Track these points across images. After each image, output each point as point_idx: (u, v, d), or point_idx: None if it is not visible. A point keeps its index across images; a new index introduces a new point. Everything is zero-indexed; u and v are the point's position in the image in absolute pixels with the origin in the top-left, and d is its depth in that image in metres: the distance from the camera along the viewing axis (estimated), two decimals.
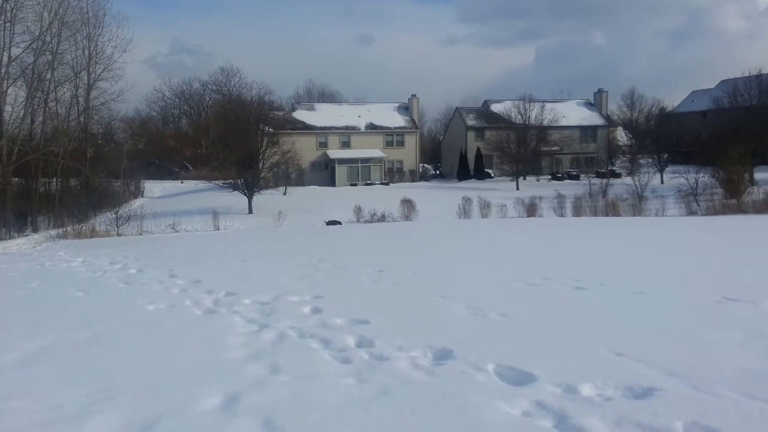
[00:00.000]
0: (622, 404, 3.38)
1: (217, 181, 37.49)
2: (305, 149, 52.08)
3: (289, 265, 9.38)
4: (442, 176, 62.54)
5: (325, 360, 4.37)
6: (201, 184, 42.69)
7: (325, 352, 4.56)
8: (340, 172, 53.74)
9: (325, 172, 54.83)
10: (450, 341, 4.63)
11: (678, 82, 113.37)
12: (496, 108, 58.82)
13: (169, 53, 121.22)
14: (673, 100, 69.00)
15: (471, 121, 58.44)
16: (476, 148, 55.80)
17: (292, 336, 5.03)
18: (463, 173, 55.51)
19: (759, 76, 46.62)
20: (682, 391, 3.51)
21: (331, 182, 53.33)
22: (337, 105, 64.62)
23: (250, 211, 33.55)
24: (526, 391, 3.64)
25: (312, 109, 59.84)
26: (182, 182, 57.18)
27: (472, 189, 40.47)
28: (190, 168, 63.08)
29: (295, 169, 47.47)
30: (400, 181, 54.86)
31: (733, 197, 25.88)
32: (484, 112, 59.91)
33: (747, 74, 48.25)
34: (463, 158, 56.40)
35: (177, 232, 22.38)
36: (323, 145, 55.76)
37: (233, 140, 36.51)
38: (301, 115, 57.56)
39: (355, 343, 4.78)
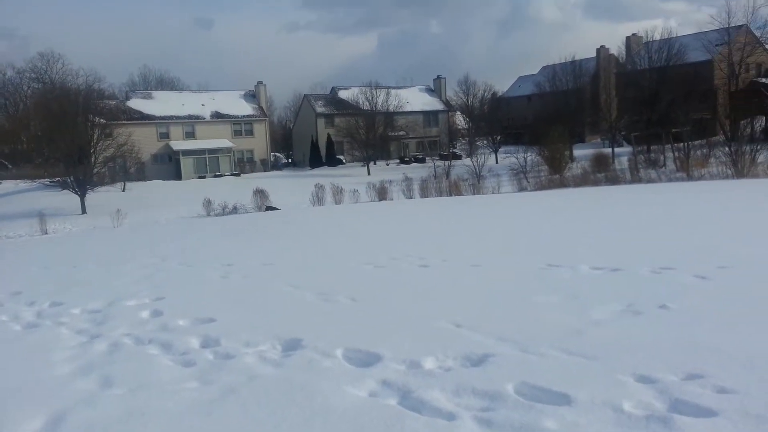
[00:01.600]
0: (461, 373, 3.58)
1: (42, 180, 33.70)
2: (145, 141, 48.63)
3: (126, 267, 8.69)
4: (294, 165, 61.99)
5: (165, 366, 4.10)
6: (23, 183, 38.16)
7: (166, 357, 4.28)
8: (186, 164, 51.01)
9: (169, 165, 51.69)
10: (299, 330, 4.59)
11: (506, 68, 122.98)
12: (344, 95, 59.42)
13: None
14: (502, 85, 74.76)
15: (320, 108, 58.47)
16: (327, 135, 56.02)
17: (127, 344, 4.66)
18: (316, 161, 55.50)
19: (573, 62, 52.02)
20: (513, 355, 3.80)
21: (177, 175, 50.45)
22: (177, 93, 61.06)
23: (84, 211, 30.68)
24: (373, 372, 3.71)
25: (149, 97, 55.92)
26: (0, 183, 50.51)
27: (325, 176, 40.61)
28: (10, 166, 55.94)
29: (135, 162, 44.16)
30: (252, 171, 53.46)
31: (556, 173, 28.75)
32: (332, 99, 60.23)
33: (564, 60, 53.60)
34: (315, 146, 56.34)
35: None
36: (165, 136, 52.46)
37: (58, 133, 33.02)
38: (137, 104, 53.55)
39: (200, 344, 4.55)
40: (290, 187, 36.12)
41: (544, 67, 61.91)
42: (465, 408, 3.14)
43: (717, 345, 3.68)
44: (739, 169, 21.69)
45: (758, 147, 23.37)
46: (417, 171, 36.72)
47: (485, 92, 63.63)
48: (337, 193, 24.79)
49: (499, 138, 50.06)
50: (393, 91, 56.75)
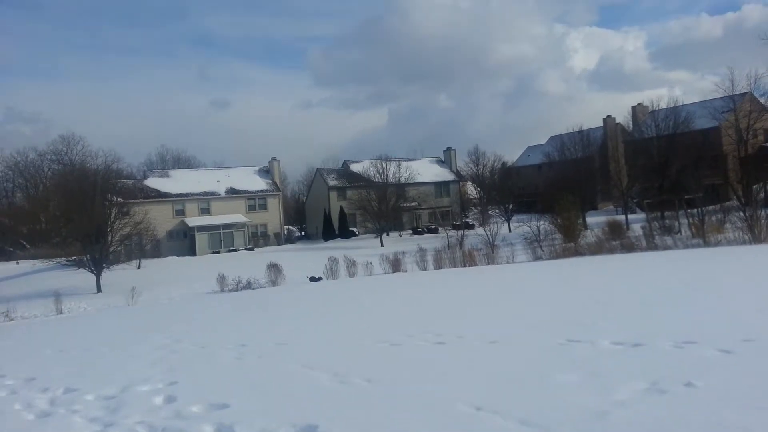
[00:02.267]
0: None
1: (59, 259, 34.11)
2: (160, 218, 49.50)
3: (140, 348, 8.64)
4: (308, 237, 62.45)
5: None
6: (40, 263, 38.60)
7: None
8: (201, 240, 51.61)
9: (184, 241, 52.32)
10: (314, 416, 4.48)
11: (515, 139, 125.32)
12: (355, 168, 60.58)
13: (0, 122, 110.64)
14: (512, 155, 75.89)
15: (332, 182, 59.49)
16: (339, 208, 56.70)
17: None
18: (329, 233, 55.91)
19: (581, 132, 52.94)
20: None
21: (191, 251, 50.96)
22: (194, 170, 62.67)
23: (99, 290, 30.82)
24: None
25: (166, 175, 57.40)
26: (17, 263, 51.09)
27: (338, 248, 40.80)
28: (28, 246, 56.82)
29: (150, 240, 44.75)
30: (266, 245, 53.86)
31: (570, 241, 28.61)
32: (344, 172, 61.39)
33: (571, 130, 54.60)
34: (327, 218, 56.93)
35: (12, 320, 19.84)
36: (180, 212, 53.42)
37: (77, 213, 33.68)
38: (154, 182, 54.92)
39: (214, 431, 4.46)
40: (303, 260, 36.18)
41: (552, 137, 63.03)
42: None
43: (745, 426, 3.53)
44: (756, 234, 21.47)
45: None
46: (430, 241, 36.75)
47: (495, 162, 64.75)
48: (351, 265, 24.77)
49: (511, 206, 50.34)
50: (404, 163, 57.79)
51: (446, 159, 65.50)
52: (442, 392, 4.86)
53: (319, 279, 24.10)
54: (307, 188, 68.82)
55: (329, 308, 12.44)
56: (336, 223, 56.37)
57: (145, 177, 56.42)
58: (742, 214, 23.44)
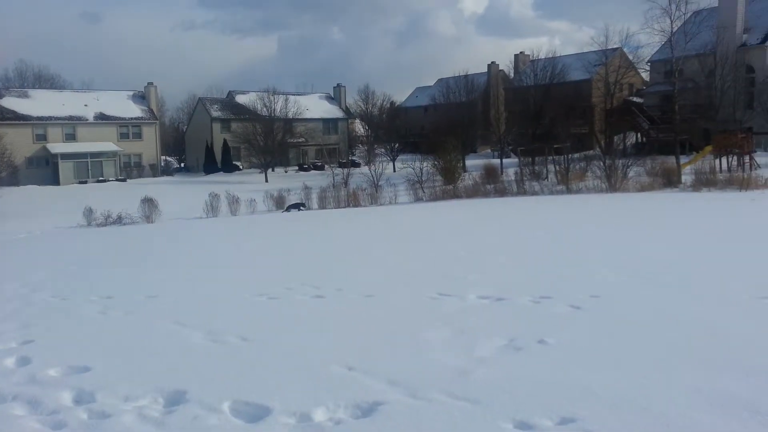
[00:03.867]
0: (351, 426, 3.57)
1: None
2: (18, 143, 44.80)
3: None
4: (187, 170, 59.62)
5: (32, 430, 3.76)
6: None
7: (32, 419, 3.92)
8: (65, 168, 47.50)
9: (46, 170, 47.87)
10: (184, 380, 4.38)
11: (404, 79, 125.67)
12: (241, 99, 58.03)
13: None
14: (401, 95, 76.33)
15: (216, 113, 56.70)
16: (223, 140, 54.42)
17: None
18: (211, 166, 53.70)
19: (466, 76, 54.25)
20: (403, 402, 3.85)
21: (54, 181, 46.82)
22: (58, 92, 56.68)
23: None
24: (262, 428, 3.62)
25: (25, 95, 51.54)
26: None
27: (220, 183, 39.36)
28: None
29: (6, 167, 40.41)
30: (140, 176, 50.72)
31: (450, 183, 29.74)
32: (229, 103, 58.63)
33: (457, 74, 55.75)
34: (210, 151, 54.51)
35: None
36: (42, 137, 48.58)
37: None
38: (11, 102, 49.19)
39: (72, 399, 4.21)
40: (182, 195, 34.60)
41: (439, 80, 64.00)
42: None
43: (588, 385, 3.95)
44: (612, 183, 23.56)
45: (629, 162, 25.53)
46: (316, 179, 36.55)
47: (384, 101, 64.81)
48: (233, 202, 24.04)
49: (397, 146, 51.04)
50: (292, 98, 56.16)
51: (336, 96, 64.56)
52: (317, 351, 4.94)
53: (301, 206, 23.51)
54: (188, 118, 65.08)
55: (207, 252, 12.07)
56: (219, 156, 54.19)
57: (1, 96, 50.20)
58: (602, 163, 25.48)
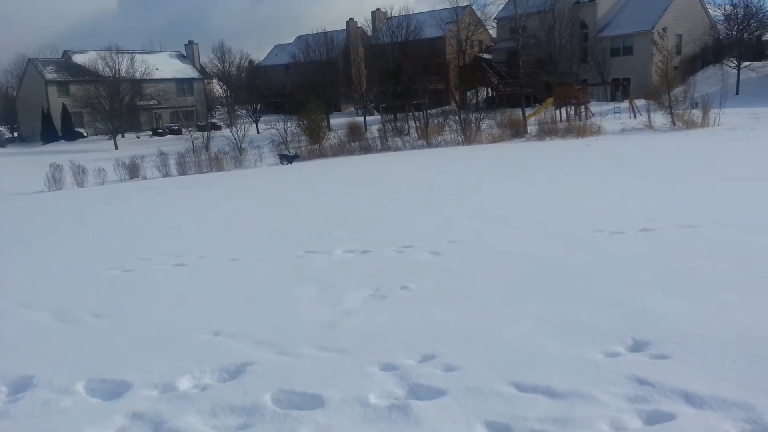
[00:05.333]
0: (218, 390, 3.52)
1: None
2: None
3: None
4: (22, 140, 53.43)
5: None
6: None
7: None
8: None
9: None
10: (30, 365, 4.02)
11: (262, 36, 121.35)
12: (79, 59, 52.53)
13: None
14: (259, 53, 73.64)
15: (51, 75, 51.00)
16: (61, 105, 49.27)
17: None
18: (49, 135, 48.56)
19: (325, 33, 53.48)
20: (271, 360, 3.86)
21: None
22: None
23: None
24: (121, 404, 3.44)
25: None
26: None
27: (62, 152, 35.82)
28: None
29: None
30: None
31: (315, 143, 29.59)
32: (65, 64, 52.88)
33: (316, 31, 54.74)
34: (47, 117, 49.18)
35: None
36: None
37: None
38: None
39: None
40: (17, 167, 31.13)
41: (298, 37, 62.45)
42: (222, 430, 3.12)
43: (447, 324, 4.22)
44: (467, 136, 24.85)
45: (481, 116, 27.01)
46: (173, 144, 34.51)
47: (242, 60, 62.17)
48: (79, 173, 22.03)
49: (259, 107, 49.48)
50: (139, 56, 51.94)
51: (188, 54, 60.72)
52: (180, 321, 4.77)
53: (293, 159, 21.56)
54: (18, 81, 57.84)
55: (49, 228, 11.01)
56: (58, 123, 49.08)
57: None
58: (457, 118, 26.71)
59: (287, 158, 24.06)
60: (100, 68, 48.26)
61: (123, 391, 3.59)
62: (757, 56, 40.60)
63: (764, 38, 44.29)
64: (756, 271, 4.85)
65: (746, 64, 36.51)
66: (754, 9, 38.54)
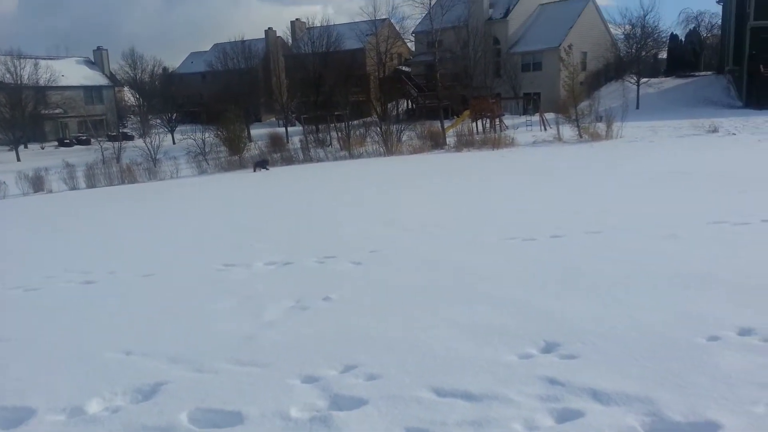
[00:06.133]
0: (130, 412, 3.37)
1: None
2: None
3: None
4: None
5: None
6: None
7: None
8: None
9: None
10: None
11: (176, 43, 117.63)
12: None
13: None
14: (174, 61, 71.22)
15: None
16: None
17: None
18: None
19: (243, 42, 52.61)
20: (187, 377, 3.74)
21: None
22: None
23: None
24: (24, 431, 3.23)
25: None
26: None
27: None
28: None
29: None
30: None
31: (235, 154, 28.96)
32: None
33: (234, 39, 53.79)
34: None
35: None
36: None
37: None
38: None
39: None
40: None
41: (215, 45, 61.05)
42: None
43: (367, 333, 4.25)
44: (389, 147, 25.17)
45: (402, 127, 27.45)
46: (81, 155, 32.75)
47: (155, 67, 59.94)
48: None
49: (174, 117, 47.83)
50: (43, 62, 48.94)
51: (97, 60, 57.87)
52: (88, 340, 4.52)
53: (265, 164, 21.69)
54: None
55: None
56: None
57: None
58: (379, 129, 27.01)
59: (261, 164, 23.36)
60: (0, 74, 45.05)
61: (26, 418, 3.36)
62: (654, 73, 43.84)
63: (660, 56, 47.98)
64: (653, 272, 5.22)
65: (645, 80, 39.25)
66: (650, 29, 41.51)
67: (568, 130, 25.07)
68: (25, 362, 4.18)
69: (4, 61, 45.85)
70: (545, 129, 29.51)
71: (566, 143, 23.36)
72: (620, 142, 22.12)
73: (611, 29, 47.60)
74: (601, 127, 24.06)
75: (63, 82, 50.85)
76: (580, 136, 24.20)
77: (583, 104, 27.77)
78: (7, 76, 45.02)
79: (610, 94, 39.54)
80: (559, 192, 10.69)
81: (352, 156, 25.31)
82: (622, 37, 44.89)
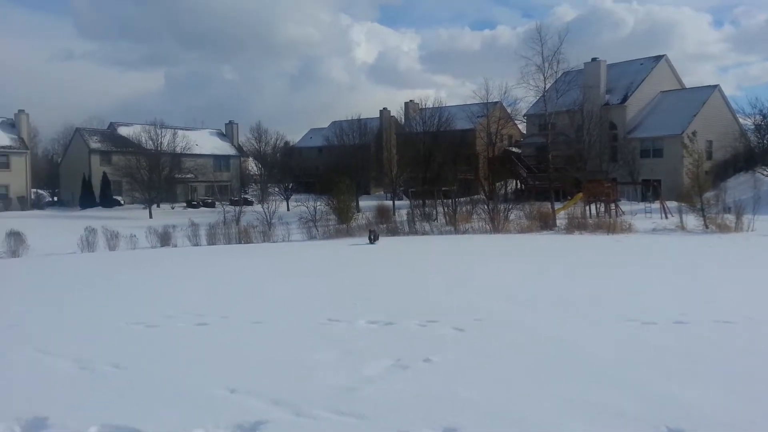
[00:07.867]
0: None
1: None
2: None
3: None
4: (61, 204, 55.27)
5: None
6: None
7: None
8: None
9: None
10: (46, 407, 3.99)
11: (299, 120, 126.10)
12: (124, 131, 55.22)
13: None
14: (294, 136, 76.11)
15: (95, 144, 53.46)
16: (102, 173, 51.21)
17: None
18: (88, 200, 50.16)
19: (359, 120, 55.61)
20: (286, 419, 3.76)
21: None
22: None
23: None
24: None
25: None
26: None
27: (99, 218, 36.84)
28: None
29: None
30: (6, 209, 46.25)
31: (343, 222, 29.95)
32: (110, 135, 55.58)
33: (351, 118, 57.00)
34: (87, 184, 51.01)
35: None
36: None
37: None
38: None
39: None
40: (54, 229, 31.93)
41: (333, 122, 64.92)
42: None
43: (470, 398, 4.07)
44: (495, 225, 24.88)
45: (510, 206, 27.15)
46: (205, 216, 35.27)
47: (278, 140, 64.45)
48: (112, 237, 22.54)
49: (291, 186, 50.74)
50: (181, 132, 54.32)
51: (228, 132, 63.36)
52: (197, 376, 4.71)
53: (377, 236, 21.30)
54: (64, 149, 60.76)
55: (77, 286, 11.16)
56: (97, 190, 50.80)
57: None
58: (486, 207, 26.88)
59: (374, 235, 23.78)
60: (143, 140, 50.50)
61: None
62: None
63: None
64: None
65: None
66: None
67: (692, 220, 23.53)
68: (139, 390, 4.41)
69: (148, 129, 51.43)
70: (666, 217, 27.92)
71: (691, 232, 21.89)
72: (752, 235, 20.37)
73: (740, 119, 45.11)
74: (730, 218, 22.36)
75: (196, 150, 55.96)
76: (706, 227, 22.58)
77: (709, 194, 26.06)
78: (149, 142, 50.32)
79: (739, 186, 36.91)
80: (686, 278, 9.93)
81: (457, 231, 25.25)
82: (753, 127, 42.32)
